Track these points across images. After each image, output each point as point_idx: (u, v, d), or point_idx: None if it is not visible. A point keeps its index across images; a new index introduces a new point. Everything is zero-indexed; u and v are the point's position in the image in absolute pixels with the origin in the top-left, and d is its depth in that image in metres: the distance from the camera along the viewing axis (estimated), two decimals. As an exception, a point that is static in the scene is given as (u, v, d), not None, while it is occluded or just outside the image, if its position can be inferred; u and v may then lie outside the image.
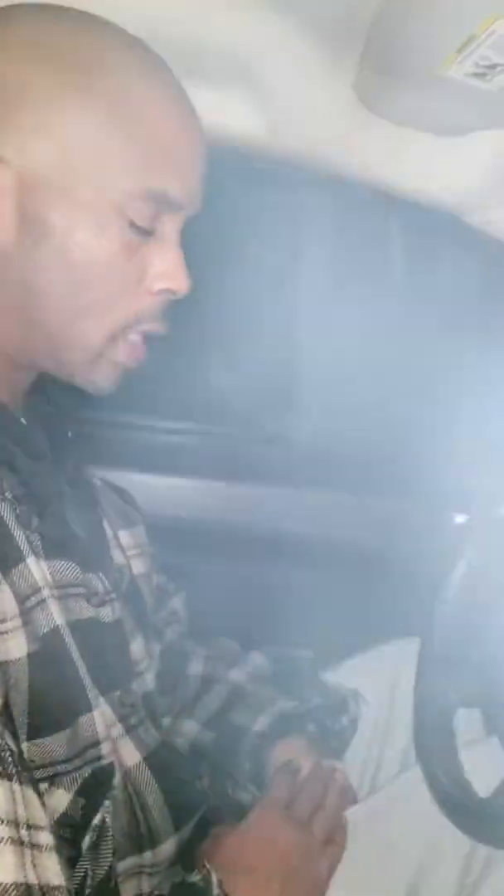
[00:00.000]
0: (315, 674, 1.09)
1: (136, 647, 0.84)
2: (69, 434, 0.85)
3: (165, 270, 0.71)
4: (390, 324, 1.94)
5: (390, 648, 1.11)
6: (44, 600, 0.68)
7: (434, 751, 0.90)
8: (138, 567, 0.92)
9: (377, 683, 1.08)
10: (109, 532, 0.89)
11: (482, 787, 0.85)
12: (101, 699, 0.72)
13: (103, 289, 0.69)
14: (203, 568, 1.23)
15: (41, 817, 0.60)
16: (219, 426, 1.77)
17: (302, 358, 2.01)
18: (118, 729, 0.74)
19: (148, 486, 1.46)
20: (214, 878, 0.75)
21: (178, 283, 0.72)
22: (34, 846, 0.59)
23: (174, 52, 0.71)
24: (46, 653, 0.67)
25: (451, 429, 1.81)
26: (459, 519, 1.47)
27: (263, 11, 0.81)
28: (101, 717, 0.71)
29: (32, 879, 0.57)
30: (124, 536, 0.92)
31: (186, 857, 0.80)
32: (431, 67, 0.75)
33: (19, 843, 0.55)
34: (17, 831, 0.55)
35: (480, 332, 1.79)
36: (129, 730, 0.75)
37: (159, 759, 0.78)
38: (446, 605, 0.98)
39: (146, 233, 0.69)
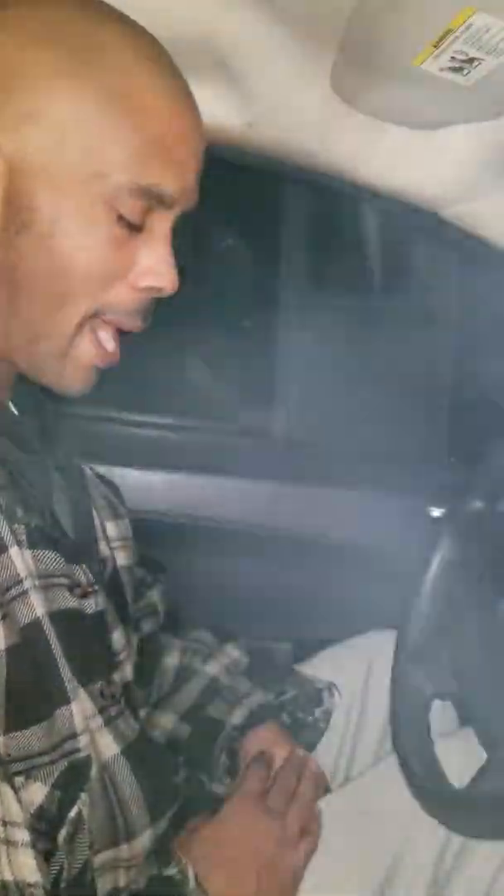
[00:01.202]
0: (290, 666, 1.10)
1: (117, 637, 0.84)
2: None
3: (152, 267, 0.69)
4: (369, 317, 1.94)
5: (365, 640, 1.12)
6: (25, 591, 0.68)
7: (409, 742, 0.91)
8: (122, 559, 0.92)
9: (352, 675, 1.08)
10: (97, 522, 0.89)
11: (457, 777, 0.86)
12: (81, 691, 0.72)
13: (84, 281, 0.67)
14: (180, 561, 1.22)
15: (17, 813, 0.60)
16: (198, 420, 1.77)
17: (281, 351, 2.01)
18: (97, 721, 0.74)
19: (127, 480, 1.46)
20: (190, 871, 0.76)
21: (165, 280, 0.70)
22: (9, 843, 0.59)
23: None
24: (25, 646, 0.66)
25: (428, 423, 1.82)
26: (435, 512, 1.47)
27: (240, 3, 0.81)
28: (79, 710, 0.71)
29: (8, 876, 0.57)
30: (110, 528, 0.92)
31: (162, 850, 0.80)
32: (408, 61, 0.75)
33: None
34: None
35: (456, 325, 1.80)
36: (109, 721, 0.75)
37: (137, 752, 0.78)
38: (422, 598, 0.98)
39: (135, 228, 0.68)
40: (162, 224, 0.70)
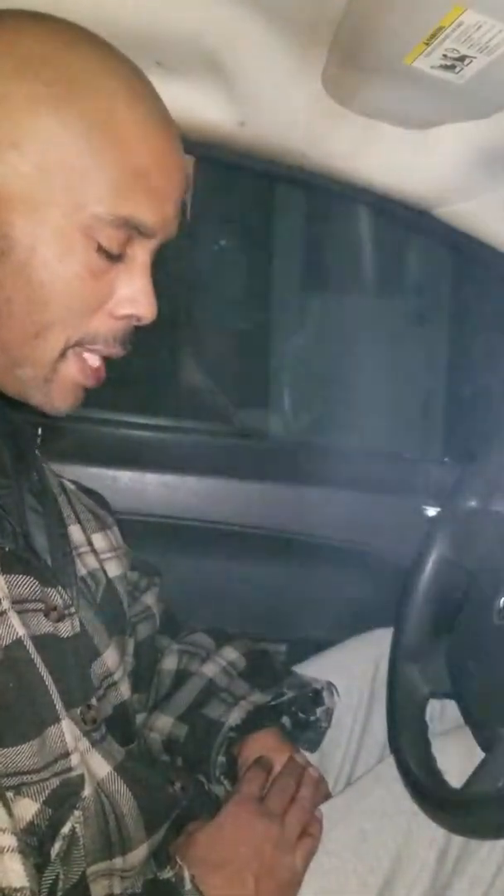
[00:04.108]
0: (288, 667, 1.09)
1: (109, 656, 0.83)
2: (39, 432, 0.84)
3: (131, 296, 0.69)
4: (363, 317, 1.94)
5: (371, 639, 1.11)
6: (4, 612, 0.68)
7: (407, 742, 0.91)
8: (113, 570, 0.92)
9: (358, 674, 1.08)
10: (82, 538, 0.88)
11: (455, 777, 0.85)
12: (66, 712, 0.72)
13: (63, 309, 0.67)
14: (175, 562, 1.22)
15: (4, 820, 0.60)
16: (192, 421, 1.77)
17: (275, 353, 2.01)
18: (84, 742, 0.74)
19: (120, 481, 1.45)
20: (187, 874, 0.75)
21: (143, 309, 0.70)
22: None
23: (142, 43, 0.70)
24: (9, 664, 0.66)
25: (423, 422, 1.82)
26: (430, 512, 1.47)
27: (232, 3, 0.80)
28: (69, 729, 0.71)
29: None
30: (98, 540, 0.91)
31: (159, 854, 0.79)
32: (399, 59, 0.75)
33: None
34: None
35: (450, 324, 1.81)
36: (94, 744, 0.75)
37: (129, 769, 0.77)
38: (417, 598, 0.98)
39: (114, 257, 0.67)
40: (142, 253, 0.69)
